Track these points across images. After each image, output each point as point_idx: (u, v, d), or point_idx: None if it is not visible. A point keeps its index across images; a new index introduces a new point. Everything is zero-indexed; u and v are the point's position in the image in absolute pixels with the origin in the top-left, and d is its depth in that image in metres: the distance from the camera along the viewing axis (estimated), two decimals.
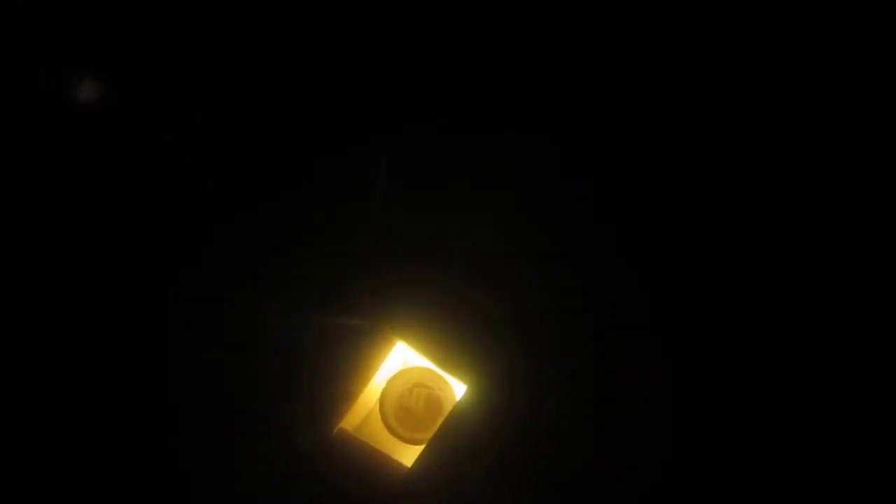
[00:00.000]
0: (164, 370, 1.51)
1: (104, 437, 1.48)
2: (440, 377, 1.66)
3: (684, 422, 1.55)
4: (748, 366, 1.58)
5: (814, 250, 1.62)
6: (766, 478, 1.51)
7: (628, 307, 1.61)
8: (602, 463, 1.50)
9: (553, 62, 1.71)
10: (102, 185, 1.63)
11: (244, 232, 1.63)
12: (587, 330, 1.59)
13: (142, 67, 1.66)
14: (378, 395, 1.64)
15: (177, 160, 1.65)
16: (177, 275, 1.59)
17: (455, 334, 1.58)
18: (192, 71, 1.67)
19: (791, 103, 1.68)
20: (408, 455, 1.54)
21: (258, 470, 1.48)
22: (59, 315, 1.53)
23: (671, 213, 1.67)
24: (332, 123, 1.69)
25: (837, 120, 1.67)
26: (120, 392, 1.50)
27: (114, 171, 1.65)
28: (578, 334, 1.59)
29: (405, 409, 1.62)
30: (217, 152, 1.66)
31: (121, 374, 1.52)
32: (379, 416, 1.64)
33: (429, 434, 1.54)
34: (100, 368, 1.53)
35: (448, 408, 1.60)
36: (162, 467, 1.48)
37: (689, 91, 1.70)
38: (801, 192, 1.65)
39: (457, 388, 1.65)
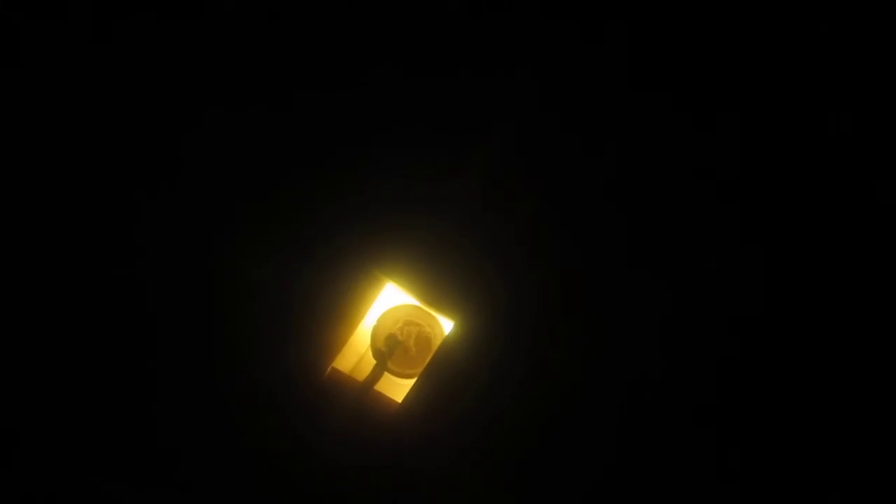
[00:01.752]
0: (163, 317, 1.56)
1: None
2: (429, 314, 1.69)
3: (669, 348, 1.58)
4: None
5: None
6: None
7: (611, 245, 1.63)
8: (586, 390, 1.54)
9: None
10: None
11: (237, 182, 1.65)
12: (570, 265, 1.61)
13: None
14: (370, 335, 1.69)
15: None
16: (177, 226, 1.63)
17: (442, 274, 1.61)
18: None
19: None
20: (399, 391, 1.59)
21: (257, 410, 1.53)
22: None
23: (652, 155, 1.67)
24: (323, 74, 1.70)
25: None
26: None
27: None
28: (561, 270, 1.61)
29: (399, 345, 1.67)
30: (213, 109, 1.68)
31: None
32: (371, 355, 1.68)
33: (419, 369, 1.59)
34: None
35: (437, 344, 1.64)
36: (167, 412, 1.54)
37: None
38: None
39: (445, 326, 1.69)
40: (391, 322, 1.69)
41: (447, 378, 1.53)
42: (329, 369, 1.59)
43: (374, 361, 1.65)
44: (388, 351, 1.63)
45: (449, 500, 1.49)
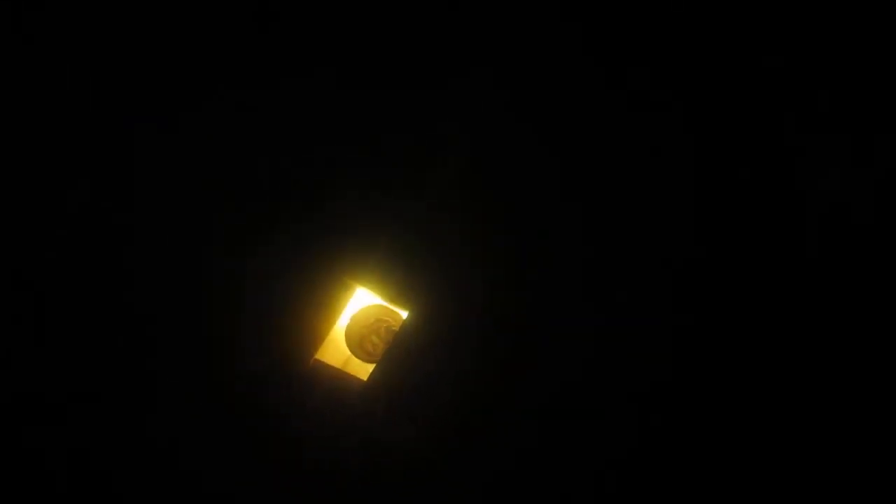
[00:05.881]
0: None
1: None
2: (391, 309, 2.02)
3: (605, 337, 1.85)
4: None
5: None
6: None
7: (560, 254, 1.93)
8: (529, 355, 1.82)
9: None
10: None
11: (220, 194, 1.93)
12: (510, 253, 1.91)
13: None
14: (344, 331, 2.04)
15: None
16: (163, 233, 1.91)
17: (398, 273, 1.93)
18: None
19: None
20: (364, 371, 1.91)
21: (247, 396, 1.87)
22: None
23: (595, 154, 1.96)
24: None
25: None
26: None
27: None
28: (503, 258, 1.91)
29: (371, 338, 2.01)
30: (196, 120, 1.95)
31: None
32: (348, 351, 2.03)
33: (381, 355, 1.91)
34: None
35: (396, 331, 1.96)
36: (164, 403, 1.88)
37: None
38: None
39: (403, 315, 2.01)
40: (362, 320, 2.03)
41: (404, 356, 1.85)
42: (312, 360, 1.93)
43: (350, 353, 2.01)
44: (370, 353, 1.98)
45: (405, 459, 1.78)
